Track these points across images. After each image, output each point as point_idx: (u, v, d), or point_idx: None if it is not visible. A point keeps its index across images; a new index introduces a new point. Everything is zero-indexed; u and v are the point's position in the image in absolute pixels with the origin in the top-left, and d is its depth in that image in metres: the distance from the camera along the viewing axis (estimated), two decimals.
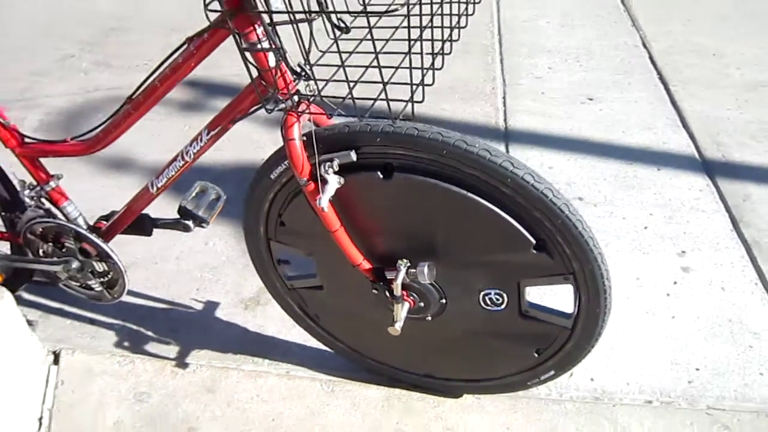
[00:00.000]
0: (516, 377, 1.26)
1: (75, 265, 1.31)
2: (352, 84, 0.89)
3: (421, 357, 1.32)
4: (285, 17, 0.84)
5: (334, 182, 1.01)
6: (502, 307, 1.13)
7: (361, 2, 0.89)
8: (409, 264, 1.09)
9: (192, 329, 1.57)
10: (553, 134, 2.23)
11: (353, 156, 1.00)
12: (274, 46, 0.90)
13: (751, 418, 1.33)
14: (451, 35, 0.97)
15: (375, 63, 0.87)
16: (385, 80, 0.88)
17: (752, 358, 1.45)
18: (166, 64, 1.04)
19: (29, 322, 1.55)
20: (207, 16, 0.87)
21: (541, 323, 1.15)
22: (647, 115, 2.32)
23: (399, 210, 1.06)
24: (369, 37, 0.88)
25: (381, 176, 1.02)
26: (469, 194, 0.99)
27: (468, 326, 1.19)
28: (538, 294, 1.52)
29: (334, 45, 0.86)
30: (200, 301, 1.65)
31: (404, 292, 1.14)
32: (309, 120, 1.04)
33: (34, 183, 1.27)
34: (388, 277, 1.10)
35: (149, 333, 1.57)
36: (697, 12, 3.05)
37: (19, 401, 1.30)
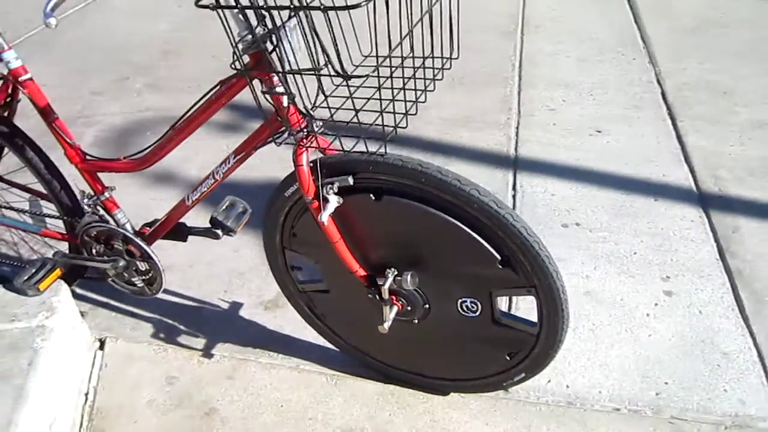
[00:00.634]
0: (492, 378, 1.43)
1: (122, 264, 1.55)
2: (345, 122, 1.10)
3: (411, 356, 1.51)
4: (296, 68, 1.05)
5: (334, 201, 1.21)
6: (477, 313, 1.31)
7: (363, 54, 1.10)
8: (396, 272, 1.29)
9: (218, 325, 1.79)
10: (559, 163, 2.40)
11: (350, 180, 1.21)
12: (286, 92, 1.11)
13: (711, 429, 1.47)
14: (425, 87, 1.15)
15: (370, 103, 1.07)
16: (381, 111, 1.08)
17: (719, 376, 1.59)
18: (203, 100, 1.26)
19: (81, 313, 1.80)
20: (234, 67, 1.09)
21: (512, 330, 1.33)
22: (651, 148, 2.47)
23: (388, 226, 1.26)
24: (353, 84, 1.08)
25: (373, 198, 1.22)
26: (445, 215, 1.18)
27: (449, 330, 1.37)
28: (518, 303, 1.69)
29: (337, 89, 1.07)
30: (227, 301, 1.87)
31: (393, 297, 1.34)
32: (317, 149, 1.25)
33: (92, 193, 1.51)
34: (379, 283, 1.29)
35: (181, 326, 1.79)
36: (713, 51, 3.18)
37: (70, 378, 1.53)
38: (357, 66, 1.04)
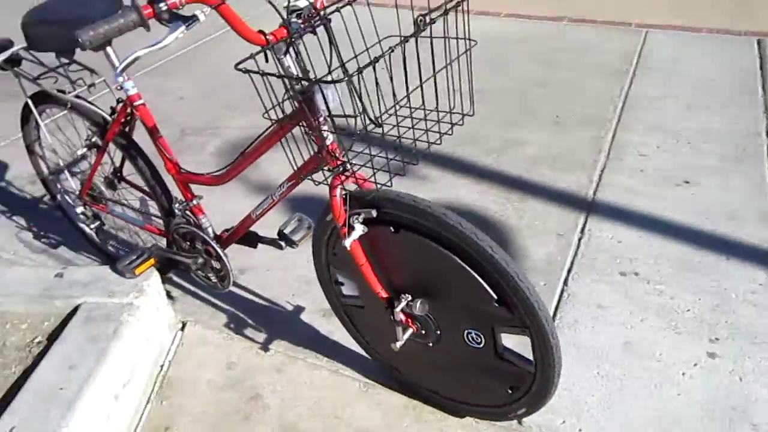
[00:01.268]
0: (497, 408, 1.54)
1: (200, 261, 1.84)
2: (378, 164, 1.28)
3: (429, 375, 1.65)
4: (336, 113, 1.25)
5: (358, 230, 1.40)
6: (481, 345, 1.44)
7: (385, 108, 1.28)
8: (409, 298, 1.44)
9: (280, 324, 2.04)
10: (635, 211, 2.40)
11: (374, 213, 1.39)
12: (326, 134, 1.32)
13: None
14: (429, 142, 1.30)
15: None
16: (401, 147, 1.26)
17: None
18: (263, 135, 1.50)
19: (171, 297, 2.13)
20: (283, 111, 1.31)
21: (513, 365, 1.43)
22: (739, 205, 2.39)
23: (404, 257, 1.42)
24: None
25: (392, 230, 1.39)
26: (449, 253, 1.32)
27: (458, 356, 1.50)
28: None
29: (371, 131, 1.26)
30: (292, 304, 2.11)
31: (409, 320, 1.50)
32: (352, 182, 1.45)
33: (183, 200, 1.82)
34: (395, 306, 1.46)
35: (249, 320, 2.06)
36: None
37: (149, 350, 1.84)
38: (383, 112, 1.23)
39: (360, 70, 1.13)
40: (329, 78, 1.27)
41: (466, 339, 1.45)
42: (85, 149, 1.91)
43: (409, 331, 1.50)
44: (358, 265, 1.47)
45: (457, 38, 1.24)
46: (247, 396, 1.79)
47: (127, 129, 1.83)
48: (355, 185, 1.43)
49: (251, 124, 3.28)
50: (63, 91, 1.80)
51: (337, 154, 1.38)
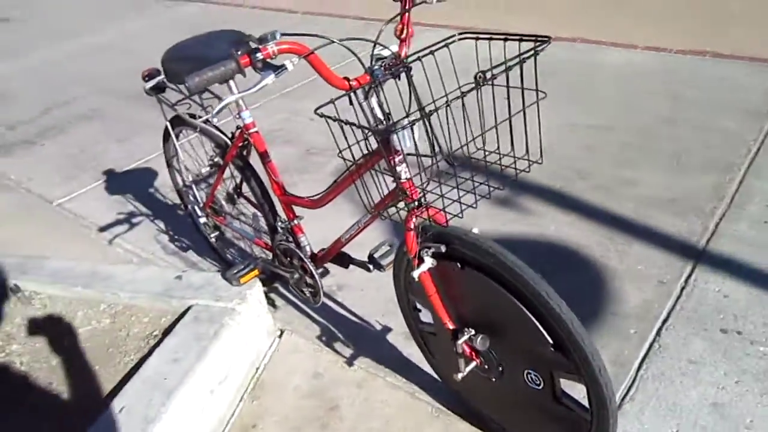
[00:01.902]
0: None
1: (296, 276, 2.02)
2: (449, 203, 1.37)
3: (495, 408, 1.68)
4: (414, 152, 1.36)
5: (428, 263, 1.48)
6: (540, 387, 1.45)
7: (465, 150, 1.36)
8: (473, 332, 1.50)
9: (366, 341, 2.16)
10: (749, 265, 2.25)
11: (443, 248, 1.46)
12: (401, 172, 1.42)
13: None
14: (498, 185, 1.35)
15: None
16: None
17: None
18: (354, 165, 1.63)
19: (274, 306, 2.33)
20: (340, 156, 1.42)
21: (570, 411, 1.43)
22: None
23: (470, 293, 1.48)
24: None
25: (459, 266, 1.46)
26: (508, 293, 1.37)
27: (519, 395, 1.53)
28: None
29: (444, 174, 1.35)
30: (380, 323, 2.23)
31: (473, 353, 1.55)
32: (427, 217, 1.53)
33: (285, 219, 2.00)
34: (458, 338, 1.52)
35: (339, 334, 2.21)
36: None
37: (246, 353, 2.04)
38: (453, 151, 1.32)
39: (428, 114, 1.23)
40: (405, 122, 1.38)
41: (526, 379, 1.48)
42: (208, 167, 2.16)
43: (472, 364, 1.55)
44: (428, 295, 1.55)
45: (523, 88, 1.28)
46: (327, 406, 1.92)
47: (244, 152, 2.05)
48: (431, 219, 1.52)
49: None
50: (194, 116, 2.06)
51: (411, 191, 1.47)
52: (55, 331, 2.08)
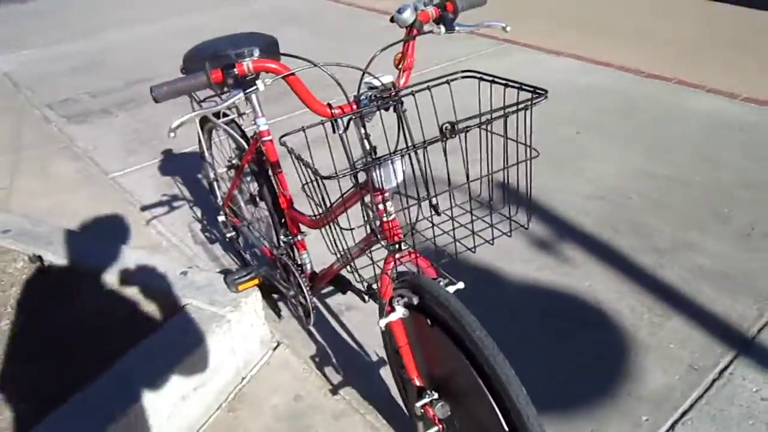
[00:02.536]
0: None
1: (291, 292, 1.94)
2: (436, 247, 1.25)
3: None
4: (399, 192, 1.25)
5: (399, 312, 1.37)
6: None
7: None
8: (435, 397, 1.37)
9: (357, 370, 2.06)
10: None
11: (415, 300, 1.34)
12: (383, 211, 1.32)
13: None
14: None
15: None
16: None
17: None
18: (343, 198, 1.53)
19: (280, 316, 2.27)
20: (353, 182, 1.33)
21: None
22: None
23: (437, 353, 1.35)
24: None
25: (429, 322, 1.33)
26: (472, 368, 1.23)
27: None
28: None
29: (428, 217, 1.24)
30: (377, 355, 2.12)
31: (435, 417, 1.42)
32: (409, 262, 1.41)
33: (289, 233, 1.93)
34: (417, 400, 1.39)
35: (333, 358, 2.12)
36: None
37: (236, 363, 1.99)
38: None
39: (405, 153, 1.12)
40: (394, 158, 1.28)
41: None
42: (225, 168, 2.13)
43: (433, 429, 1.42)
44: (399, 346, 1.43)
45: (517, 142, 1.15)
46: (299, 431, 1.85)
47: (263, 158, 2.00)
48: (412, 265, 1.40)
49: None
50: (218, 115, 2.03)
51: (392, 233, 1.36)
52: (55, 303, 2.11)
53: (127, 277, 2.14)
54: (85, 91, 4.72)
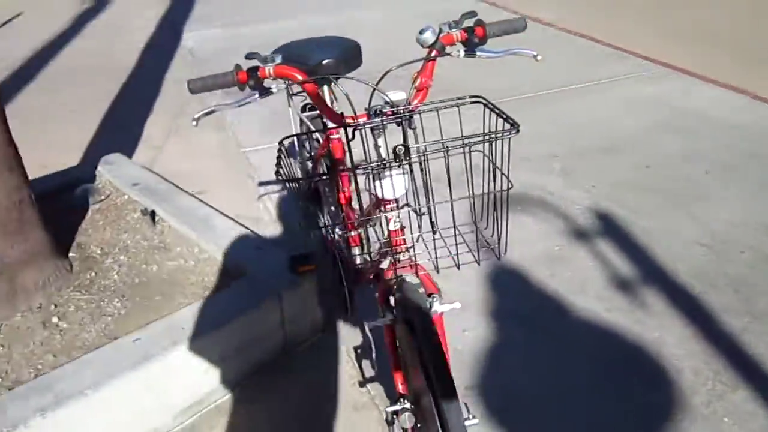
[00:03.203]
0: None
1: (338, 283, 2.06)
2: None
3: None
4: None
5: (386, 317, 1.43)
6: None
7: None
8: (407, 405, 1.41)
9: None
10: None
11: (400, 310, 1.39)
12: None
13: None
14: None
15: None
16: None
17: None
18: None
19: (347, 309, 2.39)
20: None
21: None
22: None
23: (412, 362, 1.39)
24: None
25: (408, 330, 1.37)
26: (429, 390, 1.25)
27: None
28: None
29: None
30: None
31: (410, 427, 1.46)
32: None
33: (345, 228, 2.05)
34: (389, 405, 1.44)
35: (373, 355, 2.20)
36: None
37: (290, 336, 2.15)
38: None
39: (376, 168, 1.18)
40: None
41: None
42: (306, 159, 2.30)
43: None
44: (389, 350, 1.49)
45: (494, 169, 1.16)
46: None
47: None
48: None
49: (530, 181, 3.29)
50: (304, 109, 2.20)
51: (396, 240, 1.42)
52: (153, 252, 2.43)
53: (216, 240, 2.39)
54: None
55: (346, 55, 1.91)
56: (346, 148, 1.33)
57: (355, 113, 1.33)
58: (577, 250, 2.69)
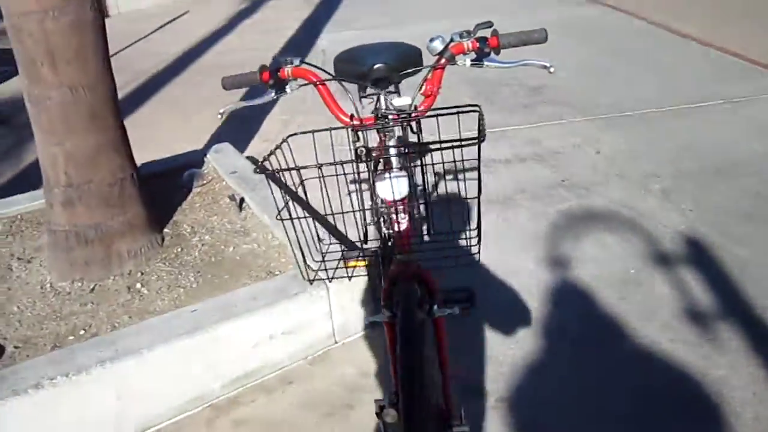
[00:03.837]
0: None
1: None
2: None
3: None
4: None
5: (384, 314, 1.48)
6: None
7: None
8: (395, 401, 1.45)
9: None
10: None
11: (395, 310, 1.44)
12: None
13: None
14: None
15: None
16: None
17: None
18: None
19: None
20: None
21: None
22: None
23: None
24: None
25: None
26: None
27: None
28: None
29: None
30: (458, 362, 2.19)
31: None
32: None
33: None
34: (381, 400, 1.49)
35: None
36: None
37: (338, 326, 2.27)
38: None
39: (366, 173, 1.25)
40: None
41: None
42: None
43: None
44: (389, 345, 1.54)
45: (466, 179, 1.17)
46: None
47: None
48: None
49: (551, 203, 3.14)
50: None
51: (402, 241, 1.47)
52: (234, 236, 2.65)
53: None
54: None
55: (401, 60, 1.96)
56: (350, 148, 1.40)
57: (359, 115, 1.40)
58: (654, 274, 2.53)
